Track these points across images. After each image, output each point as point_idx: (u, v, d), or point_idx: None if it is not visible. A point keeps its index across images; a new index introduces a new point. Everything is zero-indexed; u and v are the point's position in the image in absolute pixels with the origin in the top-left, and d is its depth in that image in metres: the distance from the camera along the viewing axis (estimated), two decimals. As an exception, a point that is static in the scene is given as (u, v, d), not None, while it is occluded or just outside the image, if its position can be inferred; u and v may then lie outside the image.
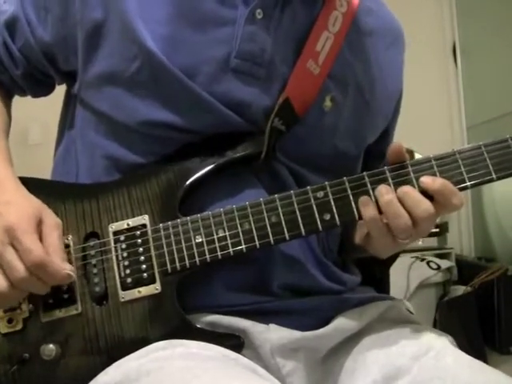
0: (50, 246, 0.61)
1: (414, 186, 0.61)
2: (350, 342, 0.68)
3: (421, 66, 2.58)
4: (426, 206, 0.60)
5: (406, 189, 0.61)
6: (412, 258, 2.35)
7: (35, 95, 0.82)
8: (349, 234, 0.76)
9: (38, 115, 2.27)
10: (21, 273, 0.58)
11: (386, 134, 0.82)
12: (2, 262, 0.59)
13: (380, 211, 0.61)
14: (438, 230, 2.47)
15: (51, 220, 0.64)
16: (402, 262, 2.26)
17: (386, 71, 0.77)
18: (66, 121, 0.78)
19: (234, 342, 0.62)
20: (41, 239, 0.61)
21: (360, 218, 0.62)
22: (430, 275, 2.31)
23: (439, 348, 0.64)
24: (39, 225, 0.62)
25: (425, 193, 0.61)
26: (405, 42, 0.82)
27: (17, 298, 0.62)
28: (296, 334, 0.65)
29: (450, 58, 3.02)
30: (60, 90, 0.82)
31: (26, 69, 0.76)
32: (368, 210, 0.61)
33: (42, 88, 0.81)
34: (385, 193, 0.61)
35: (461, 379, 0.58)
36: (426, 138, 2.64)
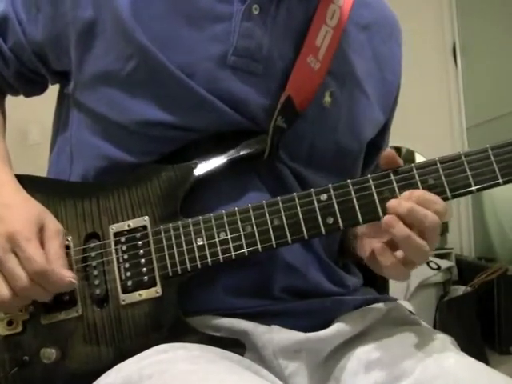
0: (51, 253, 0.60)
1: (420, 189, 0.60)
2: (352, 343, 0.68)
3: (421, 65, 2.59)
4: (432, 217, 0.58)
5: (407, 205, 0.58)
6: (412, 258, 2.35)
7: (28, 95, 0.81)
8: (343, 241, 0.76)
9: (38, 115, 2.26)
10: (23, 281, 0.58)
11: (384, 128, 0.81)
12: (4, 270, 0.59)
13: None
14: (437, 230, 2.47)
15: (53, 225, 0.63)
16: (402, 262, 2.25)
17: (383, 64, 0.77)
18: (60, 121, 0.78)
19: (236, 346, 0.62)
20: (42, 245, 0.61)
21: (365, 221, 0.61)
22: (430, 275, 2.31)
23: (441, 350, 0.63)
24: (41, 230, 0.61)
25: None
26: (401, 32, 0.82)
27: (19, 306, 0.62)
28: (299, 336, 0.65)
29: (450, 57, 3.02)
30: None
31: (17, 68, 0.75)
32: (387, 258, 0.60)
33: (34, 87, 0.80)
34: (399, 203, 0.59)
35: (462, 381, 0.58)
36: (425, 138, 2.65)
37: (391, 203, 0.59)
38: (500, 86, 2.67)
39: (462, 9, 2.97)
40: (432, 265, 2.35)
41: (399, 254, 0.60)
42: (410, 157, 2.46)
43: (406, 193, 0.60)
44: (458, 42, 2.99)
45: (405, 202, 0.59)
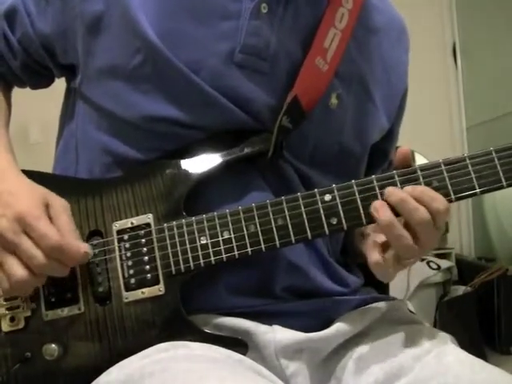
0: (62, 228, 0.60)
1: None
2: (352, 342, 0.68)
3: (421, 65, 2.58)
4: (422, 213, 0.58)
5: (401, 195, 0.59)
6: (412, 257, 2.35)
7: (34, 87, 0.81)
8: (352, 242, 0.76)
9: (38, 114, 2.27)
10: (40, 259, 0.58)
11: (391, 133, 0.81)
12: (20, 252, 0.59)
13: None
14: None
15: (58, 202, 0.63)
16: (402, 261, 2.25)
17: (390, 69, 0.77)
18: (67, 115, 0.78)
19: (238, 345, 0.62)
20: (51, 221, 0.61)
21: (368, 222, 0.61)
22: (430, 275, 2.31)
23: (441, 347, 0.64)
24: (47, 209, 0.62)
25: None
26: (408, 37, 0.82)
27: (38, 284, 0.62)
28: (300, 335, 0.65)
29: (450, 58, 3.02)
30: (60, 88, 0.82)
31: (24, 60, 0.75)
32: (383, 212, 0.59)
33: (41, 80, 0.80)
34: (394, 191, 0.60)
35: (462, 378, 0.58)
36: (425, 137, 2.65)
37: (388, 189, 0.60)
38: (500, 86, 2.67)
39: (462, 9, 2.97)
40: (432, 265, 2.35)
41: (388, 254, 0.61)
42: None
43: (409, 187, 0.60)
44: (458, 42, 2.99)
45: (400, 192, 0.59)
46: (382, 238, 0.62)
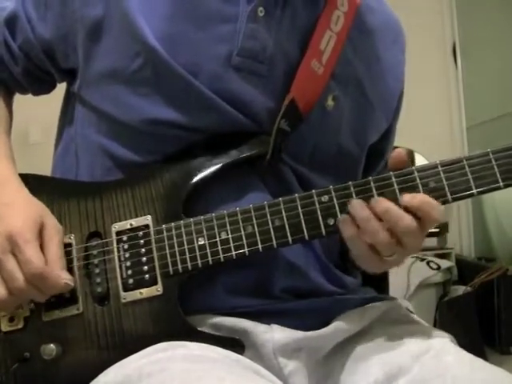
0: (50, 255, 0.61)
1: (421, 192, 0.60)
2: (351, 342, 0.68)
3: (421, 66, 2.58)
4: (407, 222, 0.59)
5: (386, 205, 0.59)
6: (412, 258, 2.35)
7: (36, 93, 0.81)
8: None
9: (39, 115, 2.27)
10: (20, 283, 0.59)
11: (388, 133, 0.81)
12: (2, 271, 0.59)
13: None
14: (438, 229, 2.47)
15: (52, 225, 0.63)
16: (402, 261, 2.25)
17: (387, 70, 0.77)
18: (66, 119, 0.78)
19: (235, 345, 0.62)
20: (42, 244, 0.61)
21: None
22: (430, 275, 2.31)
23: (440, 347, 0.64)
24: (41, 229, 0.62)
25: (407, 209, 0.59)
26: (405, 40, 0.82)
27: (15, 305, 0.63)
28: (298, 334, 0.65)
29: (450, 58, 3.02)
30: (60, 90, 0.82)
31: (25, 66, 0.75)
32: (347, 229, 0.60)
33: (42, 85, 0.80)
34: (360, 209, 0.60)
35: (461, 377, 0.58)
36: (425, 137, 2.66)
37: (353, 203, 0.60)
38: (500, 86, 2.67)
39: (462, 9, 2.97)
40: (432, 265, 2.35)
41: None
42: (409, 157, 2.47)
43: (408, 196, 0.60)
44: (457, 42, 2.99)
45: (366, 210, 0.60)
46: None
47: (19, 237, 0.59)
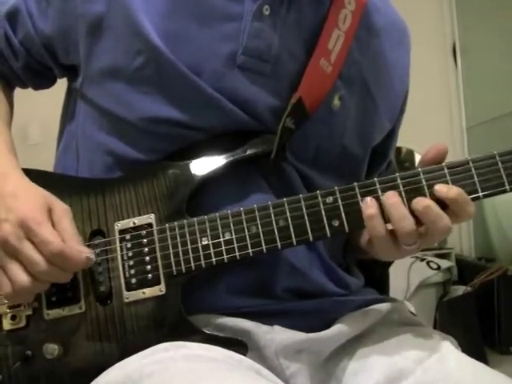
0: (64, 233, 0.60)
1: (426, 194, 0.60)
2: (353, 343, 0.68)
3: (421, 65, 2.58)
4: (444, 221, 0.58)
5: (425, 203, 0.59)
6: (412, 258, 2.35)
7: (36, 88, 0.81)
8: (353, 234, 0.76)
9: (38, 114, 2.27)
10: (42, 265, 0.58)
11: (391, 134, 0.81)
12: (22, 258, 0.58)
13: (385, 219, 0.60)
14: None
15: (60, 206, 0.63)
16: (402, 262, 2.26)
17: (392, 70, 0.77)
18: (67, 115, 0.78)
19: (238, 346, 0.62)
20: (53, 226, 0.61)
21: None
22: (430, 275, 2.31)
23: (442, 351, 0.63)
24: (49, 212, 0.61)
25: (439, 201, 0.59)
26: (410, 39, 0.82)
27: (39, 290, 0.62)
28: (300, 336, 0.65)
29: (450, 58, 3.02)
30: (60, 89, 0.82)
31: (26, 61, 0.75)
32: (369, 209, 0.60)
33: (42, 80, 0.80)
34: (391, 195, 0.60)
35: (463, 383, 0.58)
36: (425, 137, 2.64)
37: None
38: (500, 86, 2.67)
39: (462, 9, 2.97)
40: (432, 265, 2.35)
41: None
42: (409, 157, 2.46)
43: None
44: (457, 42, 2.99)
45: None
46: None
47: (31, 221, 0.59)
